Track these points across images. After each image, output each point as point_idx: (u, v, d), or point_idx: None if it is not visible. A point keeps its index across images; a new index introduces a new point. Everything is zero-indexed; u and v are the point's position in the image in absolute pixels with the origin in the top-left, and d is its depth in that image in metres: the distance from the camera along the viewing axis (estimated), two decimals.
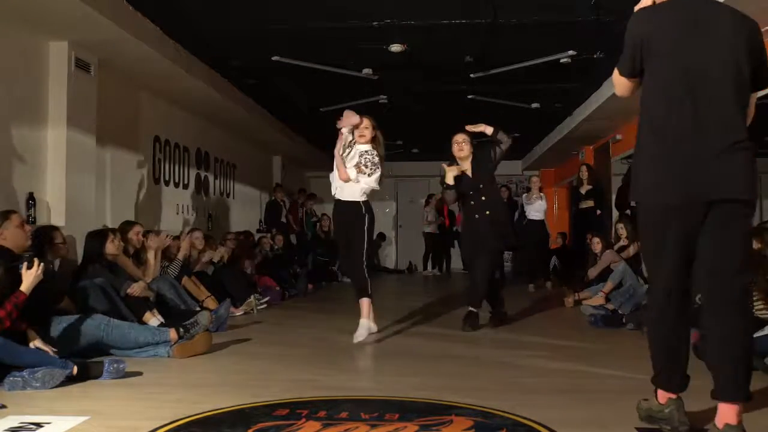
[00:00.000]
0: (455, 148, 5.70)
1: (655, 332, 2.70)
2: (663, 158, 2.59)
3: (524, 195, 10.40)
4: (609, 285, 6.72)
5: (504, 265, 9.69)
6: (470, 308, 5.48)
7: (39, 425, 2.76)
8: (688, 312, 2.64)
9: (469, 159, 5.64)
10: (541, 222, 10.16)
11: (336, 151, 4.95)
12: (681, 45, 2.57)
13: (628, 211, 8.73)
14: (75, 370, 3.53)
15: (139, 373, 3.80)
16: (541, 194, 10.12)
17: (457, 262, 14.24)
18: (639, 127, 2.80)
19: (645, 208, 2.69)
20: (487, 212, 5.52)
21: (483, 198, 5.55)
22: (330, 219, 10.41)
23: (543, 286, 9.61)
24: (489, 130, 5.48)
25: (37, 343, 3.69)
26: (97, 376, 3.61)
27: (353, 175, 4.83)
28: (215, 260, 7.18)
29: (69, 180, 5.65)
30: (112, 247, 5.25)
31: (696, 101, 2.52)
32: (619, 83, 2.84)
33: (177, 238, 6.65)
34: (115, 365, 3.67)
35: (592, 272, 7.54)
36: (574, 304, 7.39)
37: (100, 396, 3.32)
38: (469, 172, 5.61)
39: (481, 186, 5.55)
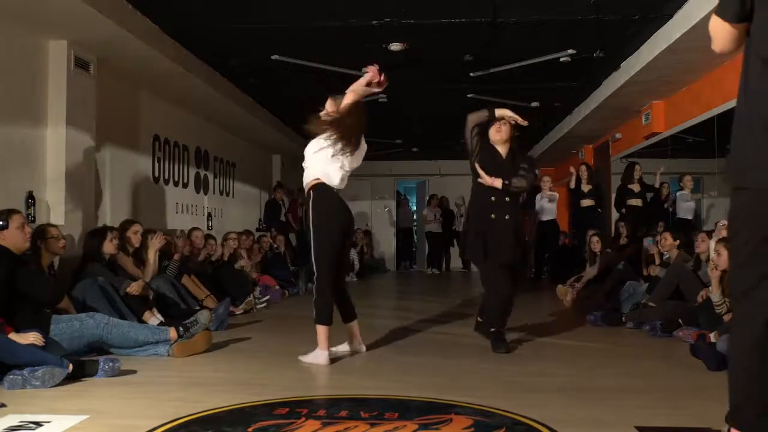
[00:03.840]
0: (492, 131, 4.69)
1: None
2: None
3: (537, 195, 10.43)
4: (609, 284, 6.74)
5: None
6: (494, 329, 4.69)
7: (39, 424, 2.76)
8: None
9: (508, 146, 4.75)
10: (553, 221, 10.18)
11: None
12: None
13: (623, 210, 8.76)
14: (70, 368, 3.53)
15: (139, 372, 3.80)
16: (552, 193, 10.15)
17: (456, 261, 14.30)
18: (743, 87, 2.10)
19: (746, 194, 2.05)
20: (507, 216, 4.61)
21: (507, 199, 4.63)
22: None
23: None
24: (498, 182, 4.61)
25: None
26: (92, 375, 3.62)
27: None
28: (214, 258, 7.18)
29: (68, 179, 5.64)
30: (110, 246, 5.25)
31: None
32: (719, 32, 2.11)
33: (179, 237, 6.67)
34: (111, 364, 3.68)
35: (591, 271, 7.55)
36: (573, 303, 7.40)
37: (99, 395, 3.32)
38: (503, 154, 4.72)
39: (506, 182, 4.59)
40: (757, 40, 2.02)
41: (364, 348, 4.51)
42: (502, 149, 4.72)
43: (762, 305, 2.10)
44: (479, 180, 4.64)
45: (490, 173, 4.61)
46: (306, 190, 4.27)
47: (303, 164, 4.26)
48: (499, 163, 4.67)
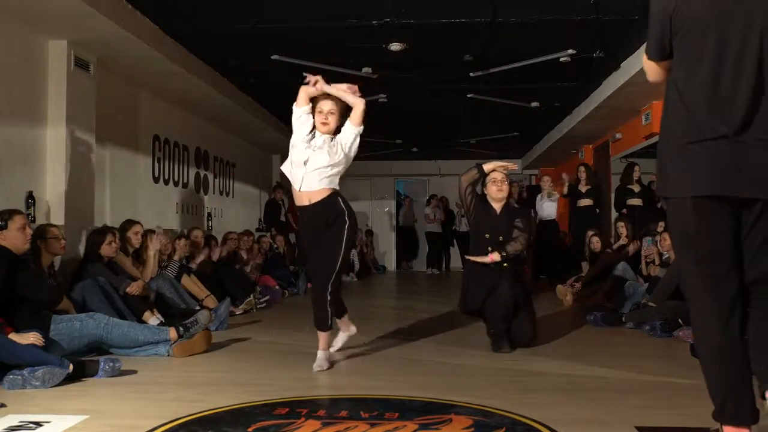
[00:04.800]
0: (493, 189, 4.76)
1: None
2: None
3: (538, 196, 10.46)
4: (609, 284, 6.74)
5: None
6: (492, 330, 4.71)
7: (38, 424, 2.76)
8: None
9: (504, 202, 4.81)
10: (553, 221, 10.19)
11: None
12: (717, 13, 2.24)
13: (624, 210, 8.76)
14: (71, 368, 3.53)
15: (139, 372, 3.81)
16: (552, 193, 10.16)
17: (456, 261, 14.31)
18: (664, 112, 2.42)
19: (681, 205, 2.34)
20: (505, 264, 4.64)
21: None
22: None
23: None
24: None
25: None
26: (93, 375, 3.62)
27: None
28: (215, 258, 7.18)
29: (68, 179, 5.64)
30: (108, 249, 5.23)
31: (727, 80, 2.23)
32: (649, 68, 2.49)
33: (179, 237, 6.67)
34: (111, 364, 3.68)
35: (591, 271, 7.55)
36: (573, 303, 7.41)
37: (99, 395, 3.32)
38: (498, 210, 4.80)
39: (501, 239, 4.68)
40: (673, 73, 2.37)
41: (354, 329, 4.45)
42: (497, 205, 4.80)
43: (712, 303, 2.28)
44: (471, 258, 4.71)
45: (485, 229, 4.73)
46: (331, 192, 4.03)
47: (319, 169, 4.01)
48: (494, 220, 4.76)
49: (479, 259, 4.68)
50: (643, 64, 2.51)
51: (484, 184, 4.84)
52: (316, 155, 4.02)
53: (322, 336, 4.06)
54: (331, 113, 4.05)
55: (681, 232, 2.36)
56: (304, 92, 4.12)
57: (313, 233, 4.08)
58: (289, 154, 4.13)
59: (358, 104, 4.08)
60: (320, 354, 4.03)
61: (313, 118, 4.10)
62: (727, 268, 2.27)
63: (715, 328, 2.27)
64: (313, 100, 4.11)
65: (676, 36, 2.32)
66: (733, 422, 2.26)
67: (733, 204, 2.25)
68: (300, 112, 4.11)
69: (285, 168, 4.15)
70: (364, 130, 4.13)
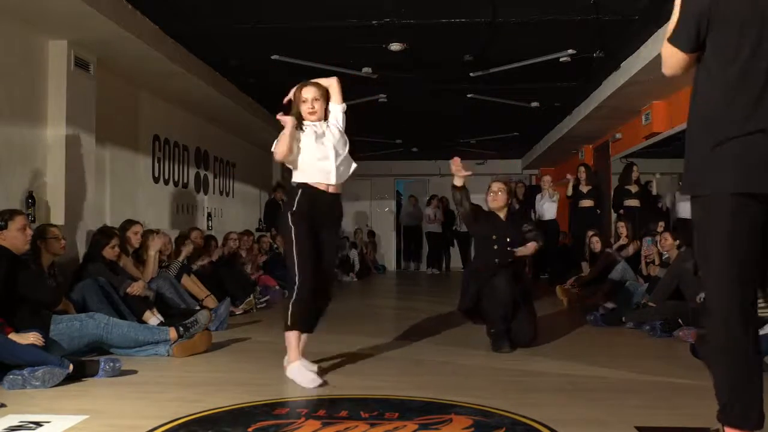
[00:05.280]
0: (489, 198, 4.98)
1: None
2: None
3: (537, 195, 10.46)
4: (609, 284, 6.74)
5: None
6: (492, 330, 4.73)
7: (38, 424, 2.76)
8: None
9: (504, 211, 4.95)
10: (553, 221, 10.18)
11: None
12: (758, 5, 2.19)
13: (621, 211, 8.76)
14: (71, 368, 3.53)
15: (139, 372, 3.80)
16: (553, 193, 10.16)
17: (456, 261, 14.32)
18: (692, 107, 2.34)
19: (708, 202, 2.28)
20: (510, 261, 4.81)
21: (510, 260, 4.82)
22: None
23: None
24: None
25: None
26: (93, 375, 3.62)
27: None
28: (215, 258, 7.18)
29: (68, 179, 5.64)
30: (110, 252, 5.22)
31: (764, 74, 2.18)
32: (671, 58, 2.32)
33: (179, 238, 6.67)
34: (111, 364, 3.68)
35: (591, 272, 7.55)
36: (571, 303, 7.40)
37: (99, 395, 3.32)
38: (502, 216, 4.95)
39: (508, 240, 4.81)
40: (705, 65, 2.25)
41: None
42: (501, 213, 4.94)
43: (731, 303, 2.22)
44: (517, 252, 4.80)
45: (491, 233, 4.84)
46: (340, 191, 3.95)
47: (342, 157, 3.86)
48: (499, 227, 4.87)
49: (524, 250, 4.80)
50: (664, 55, 2.35)
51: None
52: (334, 141, 3.81)
53: (302, 339, 3.85)
54: (316, 99, 3.83)
55: (708, 231, 2.26)
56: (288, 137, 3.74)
57: (312, 227, 3.84)
58: (301, 161, 3.84)
59: (333, 83, 3.95)
60: (301, 364, 3.71)
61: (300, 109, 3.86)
62: (752, 268, 2.22)
63: (731, 328, 2.22)
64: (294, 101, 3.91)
65: (712, 28, 2.22)
66: (737, 424, 2.22)
67: (763, 201, 2.19)
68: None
69: (299, 176, 3.90)
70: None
